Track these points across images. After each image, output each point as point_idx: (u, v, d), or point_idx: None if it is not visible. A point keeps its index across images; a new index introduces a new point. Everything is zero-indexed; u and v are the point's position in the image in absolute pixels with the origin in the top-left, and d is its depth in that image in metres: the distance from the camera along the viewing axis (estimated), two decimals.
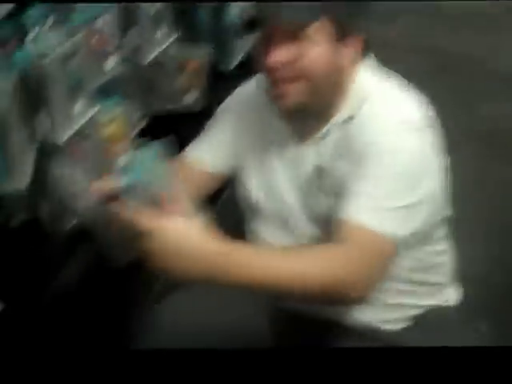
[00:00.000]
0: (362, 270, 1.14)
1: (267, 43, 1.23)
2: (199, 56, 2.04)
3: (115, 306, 1.81)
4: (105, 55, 1.68)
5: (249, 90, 1.50)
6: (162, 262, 1.08)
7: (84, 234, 1.59)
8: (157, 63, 1.92)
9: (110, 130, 1.74)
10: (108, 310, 1.78)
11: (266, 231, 1.47)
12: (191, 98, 2.09)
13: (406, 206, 1.20)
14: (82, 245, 1.64)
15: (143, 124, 2.01)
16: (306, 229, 1.40)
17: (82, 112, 1.51)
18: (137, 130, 1.99)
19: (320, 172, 1.33)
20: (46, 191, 1.56)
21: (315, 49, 1.21)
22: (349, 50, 1.26)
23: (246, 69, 2.28)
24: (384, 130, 1.23)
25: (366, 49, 1.31)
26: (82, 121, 1.51)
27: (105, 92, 1.70)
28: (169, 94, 2.02)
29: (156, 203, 1.11)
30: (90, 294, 1.71)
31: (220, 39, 2.25)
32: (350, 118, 1.29)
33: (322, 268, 1.13)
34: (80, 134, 1.53)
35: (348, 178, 1.24)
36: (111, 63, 1.70)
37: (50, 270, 1.59)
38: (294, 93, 1.24)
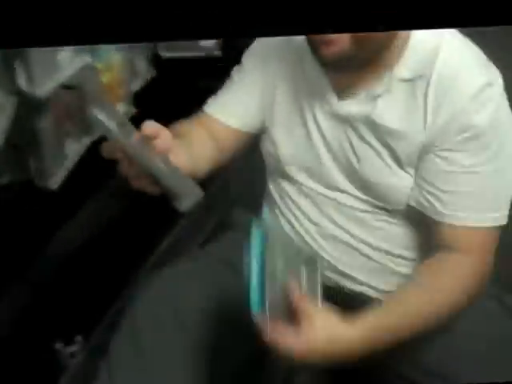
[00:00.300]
0: (488, 270, 1.16)
1: None
2: None
3: None
4: None
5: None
6: (315, 360, 1.03)
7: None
8: None
9: (106, 77, 1.61)
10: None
11: (294, 189, 1.33)
12: (210, 42, 1.91)
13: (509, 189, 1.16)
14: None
15: (151, 73, 1.86)
16: (342, 186, 1.27)
17: (67, 62, 1.36)
18: (144, 80, 1.85)
19: (376, 131, 1.19)
20: (30, 147, 1.44)
21: None
22: None
23: None
24: (477, 101, 1.10)
25: None
26: (68, 72, 1.35)
27: None
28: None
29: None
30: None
31: None
32: (420, 76, 1.13)
33: (462, 289, 1.14)
34: (65, 86, 1.38)
35: (431, 152, 1.15)
36: None
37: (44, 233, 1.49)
38: (340, 40, 1.08)
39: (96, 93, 1.54)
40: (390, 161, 1.18)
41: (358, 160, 1.21)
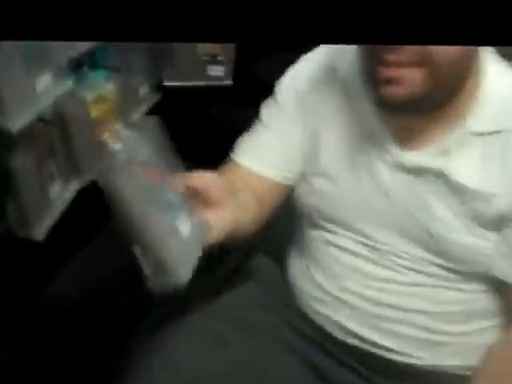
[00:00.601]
0: None
1: None
2: None
3: None
4: None
5: (323, 67, 1.13)
6: None
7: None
8: None
9: (97, 110, 1.41)
10: None
11: (339, 246, 1.16)
12: (217, 71, 1.71)
13: None
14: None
15: (154, 99, 1.67)
16: (404, 245, 1.10)
17: (47, 90, 1.15)
18: (146, 106, 1.65)
19: (450, 187, 1.05)
20: (7, 191, 1.24)
21: None
22: None
23: None
24: None
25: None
26: (47, 101, 1.15)
27: (89, 62, 1.36)
28: (188, 64, 1.65)
29: None
30: None
31: None
32: (498, 131, 1.02)
33: None
34: (44, 119, 1.18)
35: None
36: None
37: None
38: (411, 80, 0.95)
39: (81, 125, 1.35)
40: (467, 220, 1.04)
41: (430, 217, 1.06)
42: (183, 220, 0.85)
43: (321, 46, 1.15)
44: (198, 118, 1.98)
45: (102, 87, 1.45)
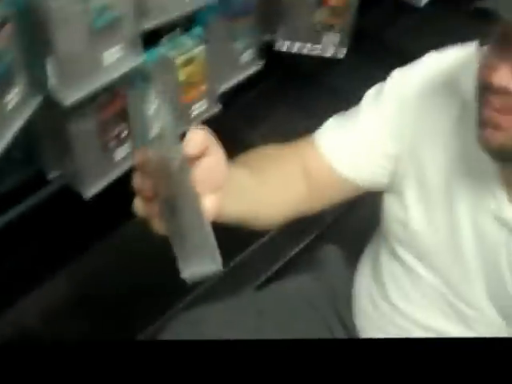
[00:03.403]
0: None
1: (500, 51, 0.81)
2: None
3: None
4: None
5: (445, 74, 0.99)
6: None
7: None
8: None
9: (187, 71, 1.39)
10: None
11: (413, 279, 1.06)
12: (332, 41, 1.59)
13: None
14: None
15: (257, 67, 1.58)
16: (478, 301, 1.01)
17: (116, 61, 1.11)
18: (247, 73, 1.58)
19: None
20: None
21: None
22: None
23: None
24: None
25: None
26: (115, 74, 1.11)
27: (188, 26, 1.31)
28: (300, 33, 1.55)
29: None
30: None
31: None
32: None
33: None
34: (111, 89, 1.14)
35: None
36: None
37: None
38: (503, 129, 0.82)
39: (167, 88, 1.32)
40: None
41: None
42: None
43: (448, 52, 1.01)
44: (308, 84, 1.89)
45: (193, 50, 1.39)
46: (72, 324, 1.42)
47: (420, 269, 1.02)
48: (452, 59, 0.96)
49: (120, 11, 1.09)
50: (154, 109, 0.74)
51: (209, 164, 0.71)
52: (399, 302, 1.06)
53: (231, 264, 1.62)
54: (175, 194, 0.71)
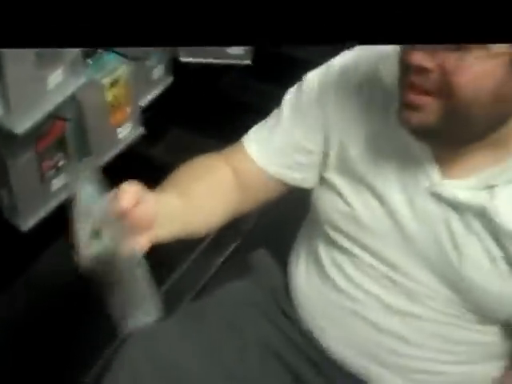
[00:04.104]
0: None
1: None
2: None
3: None
4: None
5: (368, 65, 1.04)
6: None
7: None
8: None
9: (114, 93, 1.37)
10: None
11: (355, 264, 1.10)
12: (237, 49, 1.63)
13: None
14: None
15: (169, 81, 1.58)
16: (425, 279, 1.04)
17: (59, 85, 1.08)
18: (161, 88, 1.57)
19: (490, 227, 0.97)
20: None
21: (476, 62, 0.84)
22: None
23: None
24: None
25: None
26: (60, 97, 1.07)
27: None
28: None
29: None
30: None
31: None
32: None
33: None
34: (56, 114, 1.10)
35: None
36: None
37: None
38: (424, 110, 0.89)
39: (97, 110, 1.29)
40: (503, 265, 0.97)
41: (460, 256, 0.98)
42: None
43: (361, 47, 1.07)
44: (215, 94, 1.91)
45: (116, 70, 1.37)
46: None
47: (363, 253, 1.07)
48: (372, 51, 1.04)
49: None
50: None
51: (141, 211, 0.83)
52: (346, 287, 1.10)
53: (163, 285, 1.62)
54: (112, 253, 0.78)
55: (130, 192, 0.82)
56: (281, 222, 1.38)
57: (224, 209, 1.09)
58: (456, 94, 0.84)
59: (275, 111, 1.10)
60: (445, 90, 0.85)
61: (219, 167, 1.09)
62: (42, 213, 1.27)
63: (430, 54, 0.84)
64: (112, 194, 0.83)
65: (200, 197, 1.05)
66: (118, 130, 1.42)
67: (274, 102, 1.12)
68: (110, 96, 1.36)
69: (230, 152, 1.11)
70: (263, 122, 1.11)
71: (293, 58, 1.82)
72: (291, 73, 1.14)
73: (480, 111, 0.86)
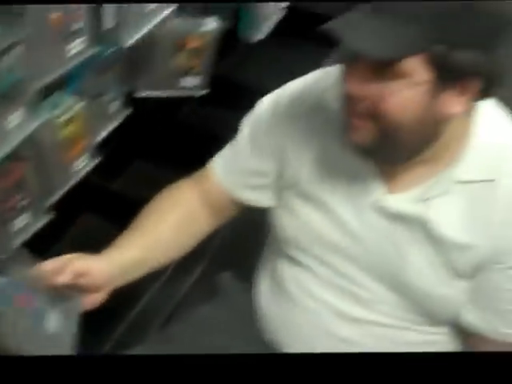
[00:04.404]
0: None
1: (350, 66, 0.96)
2: (204, 30, 1.59)
3: None
4: (67, 37, 1.26)
5: (316, 91, 1.12)
6: None
7: None
8: (147, 42, 1.49)
9: (69, 130, 1.39)
10: None
11: (310, 275, 1.17)
12: (192, 82, 1.66)
13: None
14: None
15: (127, 114, 1.61)
16: (373, 288, 1.11)
17: (19, 126, 1.10)
18: (118, 121, 1.60)
19: (430, 236, 1.04)
20: None
21: (400, 90, 0.92)
22: (455, 97, 0.93)
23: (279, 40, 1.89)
24: None
25: (492, 90, 0.97)
26: (19, 138, 1.10)
27: (65, 84, 1.31)
28: (162, 77, 1.60)
29: None
30: None
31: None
32: (484, 180, 1.01)
33: None
34: (15, 156, 1.13)
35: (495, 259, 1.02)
36: (76, 47, 1.27)
37: None
38: (363, 131, 0.98)
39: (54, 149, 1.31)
40: (442, 270, 1.04)
41: (404, 264, 1.06)
42: (52, 317, 0.91)
43: (313, 73, 1.14)
44: (173, 125, 1.95)
45: (72, 108, 1.40)
46: None
47: (318, 266, 1.14)
48: (319, 79, 1.11)
49: (22, 73, 1.09)
50: None
51: (87, 281, 0.94)
52: (303, 300, 1.17)
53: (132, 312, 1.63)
54: None
55: (68, 268, 0.92)
56: (245, 243, 1.42)
57: (193, 237, 1.17)
58: (385, 118, 0.92)
59: (236, 137, 1.16)
60: (376, 115, 0.92)
61: (186, 197, 1.17)
62: (2, 255, 1.28)
63: (363, 84, 0.91)
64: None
65: (166, 234, 1.13)
66: (77, 165, 1.44)
67: (234, 128, 1.17)
68: (67, 133, 1.38)
69: (197, 176, 1.20)
70: (227, 146, 1.19)
71: (247, 85, 1.87)
72: (247, 100, 1.20)
73: (408, 132, 0.94)
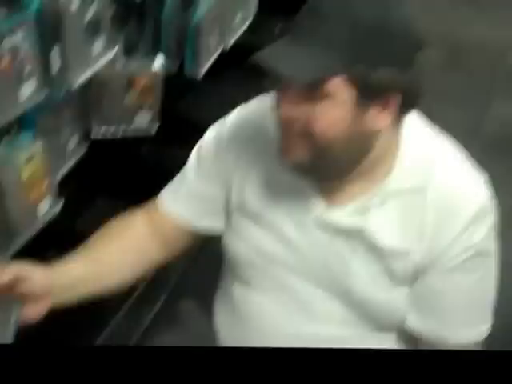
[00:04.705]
0: None
1: (282, 91, 1.04)
2: (151, 69, 1.67)
3: None
4: (19, 80, 1.32)
5: (255, 118, 1.21)
6: None
7: None
8: (96, 83, 1.56)
9: (29, 170, 1.41)
10: None
11: (262, 300, 1.22)
12: (143, 119, 1.73)
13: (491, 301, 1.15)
14: None
15: (82, 151, 1.67)
16: (319, 298, 1.16)
17: None
18: (74, 160, 1.66)
19: (369, 246, 1.10)
20: None
21: (327, 110, 0.99)
22: (379, 112, 1.01)
23: (220, 77, 1.97)
24: (478, 220, 1.08)
25: (412, 103, 1.06)
26: None
27: (19, 126, 1.37)
28: (113, 117, 1.67)
29: None
30: None
31: (185, 41, 1.87)
32: (414, 189, 1.07)
33: None
34: None
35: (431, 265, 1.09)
36: (27, 90, 1.34)
37: None
38: (298, 150, 1.04)
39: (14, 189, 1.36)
40: (383, 277, 1.10)
41: (347, 274, 1.11)
42: None
43: (251, 102, 1.22)
44: (127, 161, 2.00)
45: (30, 147, 1.45)
46: None
47: (268, 282, 1.20)
48: (256, 107, 1.19)
49: None
50: None
51: (26, 287, 0.96)
52: (254, 317, 1.22)
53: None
54: None
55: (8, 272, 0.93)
56: (207, 271, 1.46)
57: (141, 264, 1.20)
58: (317, 137, 1.00)
59: (183, 168, 1.24)
60: (308, 135, 1.01)
61: (135, 224, 1.21)
62: None
63: (294, 107, 1.00)
64: None
65: (111, 257, 1.16)
66: (38, 206, 1.47)
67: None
68: (26, 173, 1.42)
69: (148, 207, 1.24)
70: (176, 177, 1.24)
71: (196, 120, 1.95)
72: (198, 134, 1.27)
73: (340, 149, 1.02)
